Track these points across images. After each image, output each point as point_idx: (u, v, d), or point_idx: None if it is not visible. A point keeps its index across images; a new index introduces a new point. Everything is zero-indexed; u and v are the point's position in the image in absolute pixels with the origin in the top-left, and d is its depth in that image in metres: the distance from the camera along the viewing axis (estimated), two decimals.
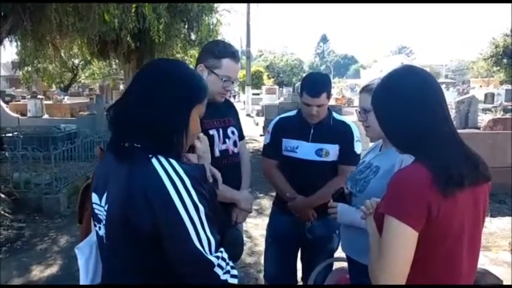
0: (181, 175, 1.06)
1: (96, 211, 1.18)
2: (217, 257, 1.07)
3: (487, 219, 4.55)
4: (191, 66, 1.37)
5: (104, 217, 1.13)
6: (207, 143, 1.61)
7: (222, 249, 1.10)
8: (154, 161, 1.07)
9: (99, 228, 1.18)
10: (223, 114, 2.08)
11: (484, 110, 13.99)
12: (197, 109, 1.17)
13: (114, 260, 1.16)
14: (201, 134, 1.58)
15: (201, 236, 1.04)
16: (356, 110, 1.93)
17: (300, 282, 2.56)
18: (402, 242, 1.07)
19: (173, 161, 1.08)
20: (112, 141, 1.16)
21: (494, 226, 4.57)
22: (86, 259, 1.32)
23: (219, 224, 1.15)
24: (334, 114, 2.37)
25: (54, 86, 20.99)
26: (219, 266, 1.07)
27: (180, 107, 1.12)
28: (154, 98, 1.10)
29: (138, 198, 1.03)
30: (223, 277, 1.07)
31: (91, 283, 1.33)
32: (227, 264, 1.10)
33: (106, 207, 1.12)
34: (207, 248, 1.05)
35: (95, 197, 1.19)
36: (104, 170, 1.18)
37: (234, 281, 1.10)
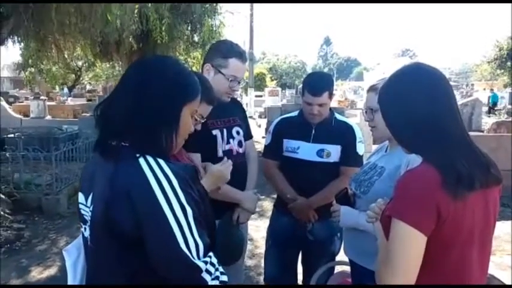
0: (169, 175, 1.01)
1: (82, 211, 1.14)
2: (206, 262, 1.02)
3: None
4: (182, 63, 1.33)
5: (89, 218, 1.09)
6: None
7: (211, 253, 1.05)
8: (141, 160, 1.03)
9: (85, 229, 1.15)
10: (229, 114, 2.07)
11: (488, 113, 13.92)
12: (189, 108, 1.13)
13: (98, 262, 1.12)
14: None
15: (188, 239, 0.99)
16: (362, 110, 1.90)
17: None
18: (410, 246, 1.02)
19: (161, 161, 1.04)
20: (99, 140, 1.12)
21: (498, 230, 4.44)
22: (74, 261, 1.27)
23: (209, 227, 1.10)
24: (336, 115, 2.33)
25: (57, 87, 21.10)
26: (207, 271, 1.02)
27: (168, 104, 1.08)
28: (141, 96, 1.06)
29: (121, 198, 0.99)
30: (211, 283, 1.02)
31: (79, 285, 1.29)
32: (216, 269, 1.05)
33: (91, 208, 1.08)
34: (194, 253, 1.00)
35: (81, 197, 1.15)
36: (90, 170, 1.15)
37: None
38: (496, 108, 16.61)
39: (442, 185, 1.01)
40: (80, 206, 1.15)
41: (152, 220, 0.99)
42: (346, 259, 1.90)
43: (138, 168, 1.02)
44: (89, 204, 1.10)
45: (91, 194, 1.09)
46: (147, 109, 1.06)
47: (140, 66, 1.16)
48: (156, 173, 1.01)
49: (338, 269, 2.36)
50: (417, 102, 1.10)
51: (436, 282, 1.09)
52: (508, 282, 1.77)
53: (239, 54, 1.96)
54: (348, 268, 1.95)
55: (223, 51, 1.95)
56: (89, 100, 17.65)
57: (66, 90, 22.07)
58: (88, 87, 24.84)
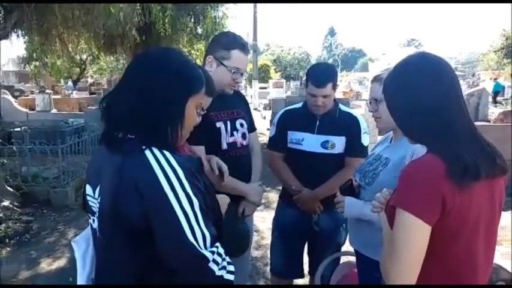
0: (175, 167, 1.03)
1: (90, 203, 1.16)
2: (213, 252, 1.04)
3: None
4: (186, 55, 1.33)
5: (97, 209, 1.11)
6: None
7: (218, 244, 1.07)
8: (147, 152, 1.04)
9: (93, 221, 1.16)
10: (232, 106, 2.06)
11: (494, 103, 13.81)
12: (194, 100, 1.14)
13: (107, 253, 1.14)
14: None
15: (195, 230, 1.01)
16: (366, 101, 1.89)
17: (307, 276, 2.53)
18: (415, 236, 1.03)
19: (167, 153, 1.05)
20: (105, 132, 1.13)
21: (504, 220, 4.47)
22: (83, 253, 1.30)
23: (215, 218, 1.11)
24: (341, 106, 2.33)
25: (62, 81, 21.13)
26: (214, 261, 1.03)
27: (173, 97, 1.09)
28: (147, 88, 1.07)
29: (128, 190, 1.00)
30: (218, 273, 1.04)
31: (88, 277, 1.31)
32: (223, 259, 1.06)
33: (99, 200, 1.10)
34: (201, 243, 1.01)
35: (88, 189, 1.16)
36: (97, 162, 1.16)
37: (231, 277, 1.07)
38: (499, 98, 16.47)
39: (447, 175, 1.01)
40: (88, 197, 1.17)
41: (159, 212, 1.00)
42: (351, 250, 1.91)
43: (144, 160, 1.03)
44: (96, 196, 1.11)
45: (98, 186, 1.11)
46: (152, 102, 1.07)
47: (145, 59, 1.16)
48: (163, 165, 1.02)
49: (343, 259, 2.38)
50: (422, 92, 1.09)
51: (441, 273, 1.09)
52: None
53: (241, 45, 1.95)
54: (353, 258, 1.96)
55: (225, 43, 1.94)
56: (92, 93, 17.64)
57: (70, 83, 22.09)
58: (89, 80, 24.71)
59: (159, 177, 1.00)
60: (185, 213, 1.00)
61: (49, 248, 3.95)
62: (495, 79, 21.64)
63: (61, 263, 3.64)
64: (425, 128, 1.11)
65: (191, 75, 1.15)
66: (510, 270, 1.75)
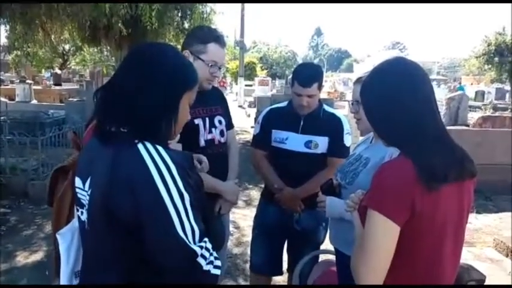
0: (168, 162, 1.03)
1: (79, 195, 1.15)
2: (201, 247, 1.05)
3: (473, 215, 4.62)
4: (180, 51, 1.34)
5: (87, 202, 1.11)
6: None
7: (206, 239, 1.08)
8: (140, 146, 1.05)
9: (82, 213, 1.16)
10: (210, 103, 2.04)
11: (474, 108, 14.13)
12: (187, 96, 1.15)
13: (95, 246, 1.14)
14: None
15: (185, 224, 1.02)
16: (349, 102, 1.91)
17: (286, 273, 2.56)
18: (383, 235, 1.06)
19: (160, 148, 1.06)
20: (98, 125, 1.13)
21: (479, 222, 4.63)
22: (68, 245, 1.29)
23: (204, 214, 1.13)
24: (325, 107, 2.35)
25: (43, 71, 20.69)
26: (202, 256, 1.05)
27: (170, 93, 1.10)
28: (143, 83, 1.08)
29: (121, 184, 1.01)
30: (206, 267, 1.05)
31: (72, 270, 1.30)
32: (211, 254, 1.08)
33: (89, 192, 1.09)
34: (190, 237, 1.02)
35: (78, 182, 1.16)
36: (88, 154, 1.15)
37: (217, 271, 1.08)
38: (478, 103, 16.99)
39: (417, 178, 1.05)
40: (77, 190, 1.16)
41: (150, 205, 1.01)
42: (330, 248, 1.94)
43: (137, 154, 1.03)
44: (86, 188, 1.11)
45: (89, 179, 1.10)
46: (149, 97, 1.07)
47: (142, 53, 1.16)
48: (156, 160, 1.03)
49: (322, 257, 2.41)
50: (396, 97, 1.14)
51: (409, 271, 1.13)
52: (486, 273, 1.84)
53: (217, 38, 1.92)
54: (332, 257, 1.99)
55: (201, 36, 1.91)
56: (80, 85, 17.14)
57: (48, 74, 21.47)
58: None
59: (151, 171, 1.01)
60: (176, 208, 1.01)
61: (26, 241, 3.88)
62: (459, 83, 22.19)
63: (38, 256, 3.58)
64: (398, 131, 1.15)
65: (187, 72, 1.16)
66: (481, 271, 1.81)
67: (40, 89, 14.60)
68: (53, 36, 9.09)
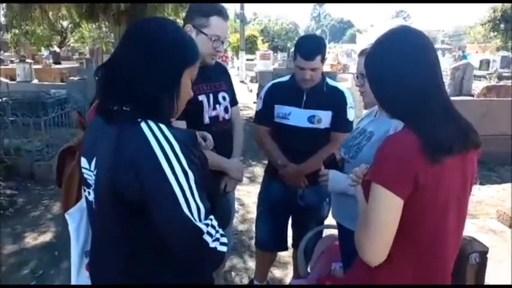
0: (171, 140, 1.03)
1: (86, 175, 1.16)
2: (207, 225, 1.06)
3: (476, 187, 4.62)
4: (180, 26, 1.30)
5: (93, 182, 1.11)
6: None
7: (211, 216, 1.09)
8: (143, 125, 1.04)
9: (89, 193, 1.16)
10: (214, 79, 2.01)
11: (479, 77, 13.94)
12: (189, 72, 1.13)
13: (103, 226, 1.15)
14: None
15: (190, 203, 1.02)
16: (353, 75, 1.88)
17: (291, 249, 2.59)
18: (387, 209, 1.06)
19: (163, 126, 1.05)
20: (100, 104, 1.12)
21: (482, 194, 4.63)
22: (77, 225, 1.31)
23: (209, 191, 1.13)
24: (328, 80, 2.32)
25: (43, 49, 20.48)
26: (208, 233, 1.06)
27: (171, 69, 1.08)
28: (144, 60, 1.06)
29: (125, 163, 1.01)
30: (212, 245, 1.06)
31: (82, 249, 1.33)
32: (217, 231, 1.09)
33: (95, 172, 1.10)
34: (196, 215, 1.03)
35: (84, 162, 1.16)
36: (93, 134, 1.15)
37: (223, 248, 1.09)
38: (483, 72, 16.74)
39: (421, 150, 1.04)
40: (83, 170, 1.16)
41: (155, 184, 1.01)
42: (334, 222, 1.95)
43: (140, 134, 1.03)
44: (92, 168, 1.11)
45: (94, 158, 1.10)
46: (150, 74, 1.06)
47: (141, 29, 1.13)
48: (159, 138, 1.02)
49: (326, 232, 2.44)
50: (401, 67, 1.11)
51: (413, 245, 1.13)
52: (489, 244, 1.85)
53: (219, 11, 1.87)
54: (335, 231, 2.01)
55: (203, 10, 1.86)
56: (81, 62, 16.98)
57: (47, 52, 21.24)
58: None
59: (155, 150, 1.01)
60: (181, 187, 1.01)
61: (34, 222, 3.93)
62: (462, 51, 21.86)
63: (46, 237, 3.63)
64: (402, 104, 1.13)
65: (188, 47, 1.14)
66: (484, 243, 1.82)
67: (40, 68, 14.47)
68: (50, 13, 8.96)
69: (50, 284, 2.91)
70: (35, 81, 11.76)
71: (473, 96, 8.27)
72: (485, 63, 20.33)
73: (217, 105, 2.00)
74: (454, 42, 52.07)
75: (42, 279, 2.98)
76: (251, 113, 9.33)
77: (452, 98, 1.18)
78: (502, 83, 10.33)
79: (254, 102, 10.74)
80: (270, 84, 2.45)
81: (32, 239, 3.59)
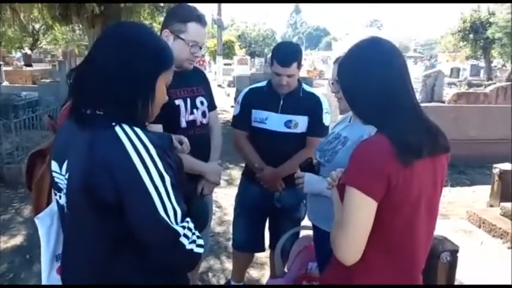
0: (146, 143, 1.03)
1: (56, 179, 1.14)
2: (183, 227, 1.06)
3: (447, 189, 4.78)
4: (156, 31, 1.31)
5: (65, 186, 1.09)
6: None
7: (188, 219, 1.09)
8: (117, 128, 1.03)
9: (60, 197, 1.14)
10: (192, 83, 2.02)
11: (450, 84, 14.42)
12: (163, 77, 1.14)
13: (76, 230, 1.13)
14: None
15: (167, 205, 1.03)
16: (329, 81, 1.93)
17: (268, 250, 2.61)
18: (361, 210, 1.10)
19: (138, 130, 1.05)
20: (73, 108, 1.11)
21: (453, 195, 4.80)
22: (47, 229, 1.29)
23: (185, 194, 1.14)
24: (304, 86, 2.36)
25: (13, 52, 19.88)
26: (185, 235, 1.06)
27: (145, 74, 1.08)
28: (119, 64, 1.05)
29: (100, 168, 1.00)
30: (188, 247, 1.07)
31: (52, 253, 1.31)
32: (193, 234, 1.09)
33: (66, 176, 1.08)
34: (172, 218, 1.03)
35: (54, 165, 1.14)
36: (64, 138, 1.13)
37: (200, 250, 1.10)
38: (454, 80, 17.42)
39: (393, 154, 1.09)
40: (54, 174, 1.14)
41: (131, 188, 1.00)
42: (310, 224, 1.99)
43: (115, 138, 1.02)
44: (63, 172, 1.09)
45: (65, 162, 1.08)
46: (124, 78, 1.05)
47: (116, 33, 1.13)
48: (134, 142, 1.02)
49: (303, 233, 2.47)
50: (371, 76, 1.16)
51: (385, 243, 1.17)
52: (459, 244, 1.92)
53: (198, 17, 1.88)
54: (311, 232, 2.04)
55: (181, 15, 1.87)
56: (53, 65, 16.55)
57: (18, 54, 20.59)
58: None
59: (130, 154, 1.00)
60: (157, 189, 1.01)
61: (4, 226, 3.82)
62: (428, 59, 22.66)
63: (17, 240, 3.54)
64: (374, 110, 1.18)
65: (163, 52, 1.14)
66: (454, 242, 1.89)
67: (11, 70, 14.06)
68: (21, 15, 8.73)
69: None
70: (6, 83, 11.41)
71: (444, 102, 8.55)
72: (455, 71, 21.11)
73: (194, 110, 2.00)
74: (426, 51, 53.67)
75: (13, 282, 2.91)
76: (228, 116, 9.34)
77: (424, 104, 1.25)
78: (471, 90, 10.73)
79: (231, 106, 10.74)
80: (247, 89, 2.47)
81: (2, 242, 3.49)
